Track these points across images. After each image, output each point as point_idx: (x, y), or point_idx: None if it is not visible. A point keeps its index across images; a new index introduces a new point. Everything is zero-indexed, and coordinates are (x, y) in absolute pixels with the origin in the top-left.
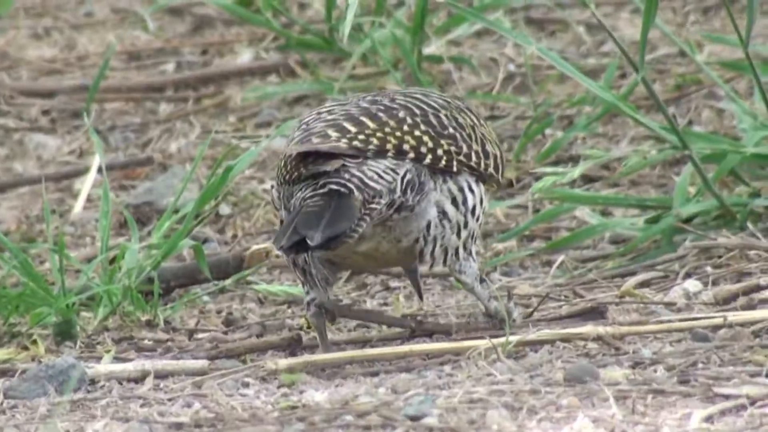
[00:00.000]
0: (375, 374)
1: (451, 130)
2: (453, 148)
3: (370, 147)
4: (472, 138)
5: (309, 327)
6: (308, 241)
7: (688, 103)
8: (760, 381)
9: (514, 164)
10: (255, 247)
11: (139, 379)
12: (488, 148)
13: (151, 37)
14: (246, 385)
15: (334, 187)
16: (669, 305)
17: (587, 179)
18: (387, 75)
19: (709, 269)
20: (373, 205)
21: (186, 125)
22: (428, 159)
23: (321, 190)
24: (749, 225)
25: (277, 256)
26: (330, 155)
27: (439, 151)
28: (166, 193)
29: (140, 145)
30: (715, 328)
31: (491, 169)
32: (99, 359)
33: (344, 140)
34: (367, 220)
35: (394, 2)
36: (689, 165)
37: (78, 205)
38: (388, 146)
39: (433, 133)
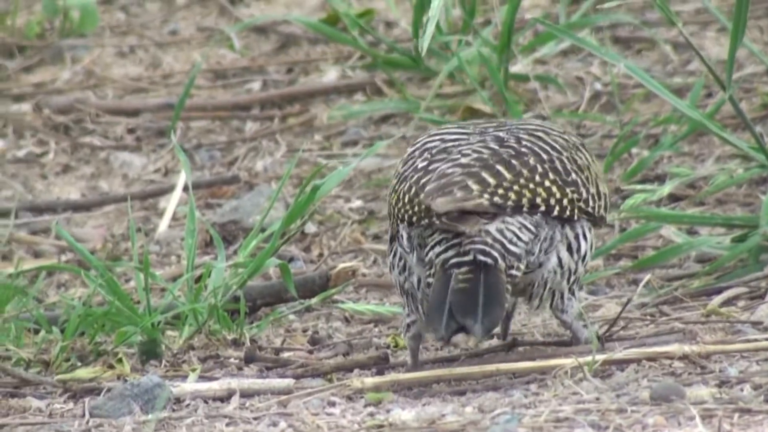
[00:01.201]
0: (462, 393)
1: (573, 175)
2: (575, 196)
3: (509, 203)
4: (590, 180)
5: (396, 346)
6: (470, 335)
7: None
8: None
9: None
10: (341, 265)
11: (225, 398)
12: (601, 188)
13: (237, 56)
14: (332, 404)
15: (480, 257)
16: (756, 324)
17: (673, 198)
18: (474, 93)
19: None
20: (514, 272)
21: (272, 144)
22: (556, 211)
23: (465, 258)
24: None
25: (363, 275)
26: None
27: (565, 201)
28: (252, 212)
29: (226, 163)
30: None
31: (602, 211)
32: (184, 378)
33: (486, 196)
34: (510, 290)
35: (481, 21)
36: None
37: (163, 224)
38: (524, 201)
39: (560, 182)
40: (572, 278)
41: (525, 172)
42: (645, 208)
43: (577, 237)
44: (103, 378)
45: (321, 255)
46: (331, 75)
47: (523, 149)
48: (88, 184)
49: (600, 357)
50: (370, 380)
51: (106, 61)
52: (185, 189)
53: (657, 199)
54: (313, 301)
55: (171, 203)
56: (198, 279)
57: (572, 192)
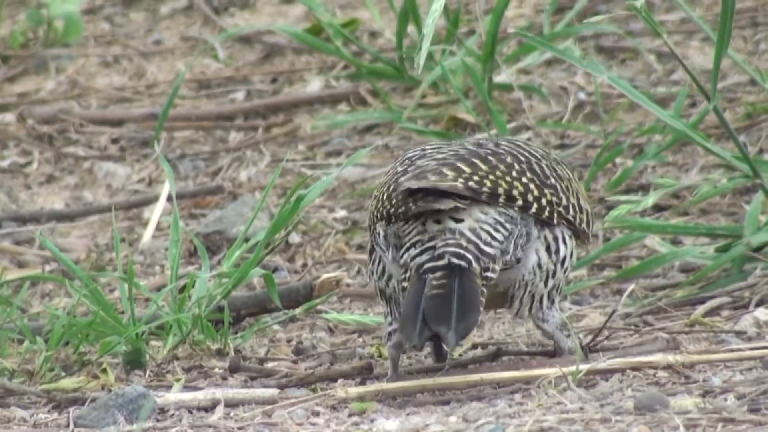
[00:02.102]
0: (446, 403)
1: (552, 180)
2: (555, 199)
3: (484, 189)
4: (570, 191)
5: (380, 355)
6: (444, 345)
7: (759, 132)
8: None
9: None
10: (325, 275)
11: (209, 407)
12: (582, 203)
13: (221, 66)
14: (316, 413)
15: (454, 261)
16: (739, 334)
17: (657, 208)
18: (458, 103)
19: None
20: (489, 274)
21: (256, 154)
22: (534, 208)
23: (440, 262)
24: None
25: (347, 285)
26: (441, 193)
27: (544, 201)
28: (236, 222)
29: (210, 173)
30: None
31: (584, 225)
32: (169, 388)
33: (460, 180)
34: (485, 293)
35: (465, 30)
36: (760, 193)
37: (147, 234)
38: (500, 190)
39: (538, 182)
40: (551, 283)
41: (501, 167)
42: (629, 218)
43: (556, 239)
44: (88, 388)
45: (305, 265)
46: (315, 85)
47: (501, 151)
48: (72, 194)
49: (584, 367)
50: (354, 390)
51: (90, 71)
52: (169, 199)
53: (641, 209)
54: (298, 311)
55: (155, 213)
56: (182, 289)
57: (551, 194)
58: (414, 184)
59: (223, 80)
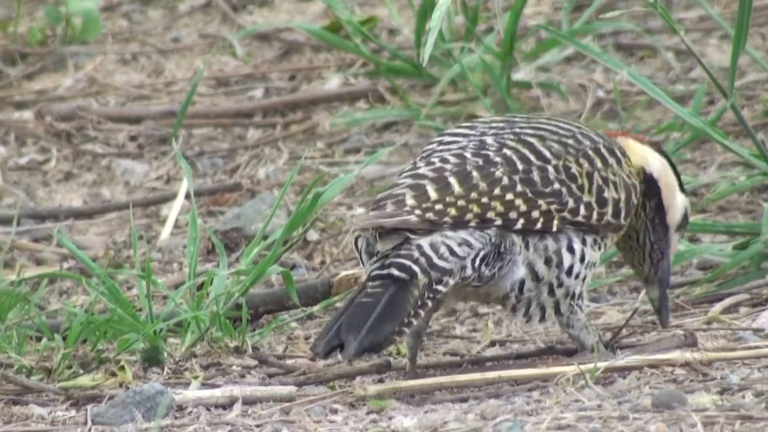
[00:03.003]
0: (464, 400)
1: (556, 185)
2: (554, 207)
3: (446, 219)
4: (585, 189)
5: (399, 353)
6: (339, 354)
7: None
8: None
9: None
10: (343, 273)
11: (227, 405)
12: (606, 194)
13: (239, 63)
14: (334, 411)
15: (395, 272)
16: (757, 331)
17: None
18: (476, 101)
19: None
20: (440, 287)
21: (274, 151)
22: (520, 223)
23: (383, 271)
24: None
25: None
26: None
27: (535, 213)
28: (255, 219)
29: (228, 170)
30: None
31: (608, 217)
32: (186, 385)
33: (417, 212)
34: (429, 304)
35: (483, 28)
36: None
37: (165, 231)
38: (469, 216)
39: (530, 194)
40: (560, 291)
41: (482, 185)
42: None
43: (558, 251)
44: (105, 385)
45: (323, 262)
46: (333, 82)
47: (497, 158)
48: (90, 191)
49: (602, 364)
50: (372, 387)
51: (108, 69)
52: (187, 196)
53: None
54: (316, 308)
55: (173, 211)
56: (200, 286)
57: (548, 203)
58: (359, 223)
59: (241, 77)
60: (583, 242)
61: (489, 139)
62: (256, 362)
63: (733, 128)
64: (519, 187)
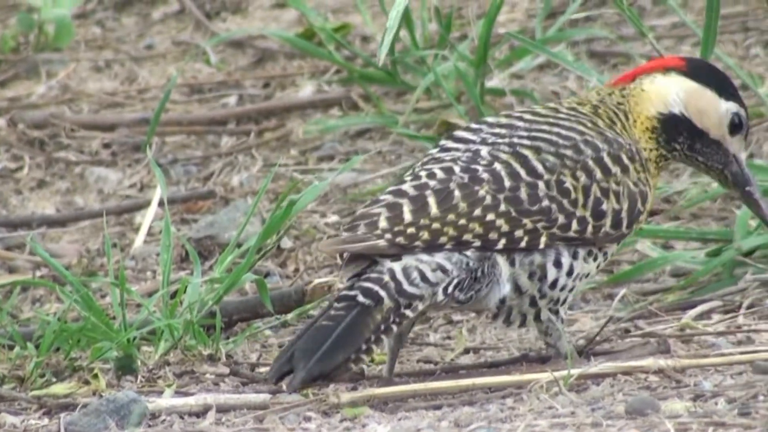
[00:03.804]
0: (438, 407)
1: (545, 202)
2: (541, 224)
3: (416, 243)
4: (579, 203)
5: (372, 360)
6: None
7: (750, 136)
8: None
9: None
10: (317, 280)
11: (201, 413)
12: (605, 206)
13: (213, 70)
14: (308, 419)
15: (360, 298)
16: (730, 338)
17: (648, 212)
18: (450, 108)
19: None
20: (408, 312)
21: (248, 158)
22: (501, 244)
23: (350, 293)
24: None
25: (339, 290)
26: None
27: (518, 233)
28: (228, 227)
29: (202, 178)
30: None
31: (607, 229)
32: (160, 393)
33: (387, 236)
34: (394, 329)
35: (457, 35)
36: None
37: (139, 239)
38: (443, 239)
39: (514, 213)
40: (541, 302)
41: (462, 205)
42: None
43: (543, 265)
44: (79, 394)
45: (297, 270)
46: (307, 90)
47: (485, 174)
48: (63, 199)
49: (575, 371)
50: (345, 395)
51: (82, 76)
52: (161, 204)
53: None
54: (289, 316)
55: (146, 218)
56: (174, 294)
57: (534, 222)
58: (325, 248)
59: (215, 85)
60: (574, 256)
61: (483, 151)
62: (229, 370)
63: None
64: (502, 207)
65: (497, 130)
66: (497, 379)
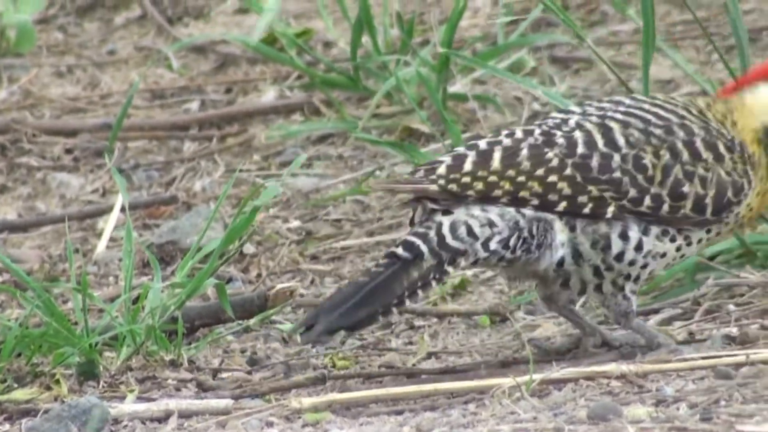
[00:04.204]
0: (400, 413)
1: (617, 174)
2: (609, 194)
3: (469, 193)
4: (655, 181)
5: (334, 366)
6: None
7: None
8: None
9: None
10: (279, 285)
11: (163, 418)
12: (686, 189)
13: (175, 76)
14: (270, 424)
15: (399, 251)
16: (692, 343)
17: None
18: (412, 114)
19: (731, 307)
20: (450, 268)
21: (210, 164)
22: (561, 206)
23: (393, 249)
24: None
25: (302, 295)
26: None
27: (582, 198)
28: (191, 232)
29: (164, 183)
30: (738, 365)
31: (687, 211)
32: (122, 399)
33: (441, 182)
34: (434, 285)
35: (420, 41)
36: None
37: (101, 245)
38: (497, 192)
39: (579, 179)
40: (608, 275)
41: (525, 164)
42: None
43: (607, 236)
44: (40, 399)
45: (259, 275)
46: (269, 95)
47: (560, 140)
48: (25, 204)
49: (537, 376)
50: (307, 400)
51: (44, 81)
52: (123, 210)
53: None
54: (251, 321)
55: (109, 224)
56: (136, 300)
57: (601, 190)
58: (376, 187)
59: (177, 90)
60: (645, 231)
61: (573, 119)
62: (192, 375)
63: None
64: (568, 171)
65: (603, 104)
66: (459, 385)
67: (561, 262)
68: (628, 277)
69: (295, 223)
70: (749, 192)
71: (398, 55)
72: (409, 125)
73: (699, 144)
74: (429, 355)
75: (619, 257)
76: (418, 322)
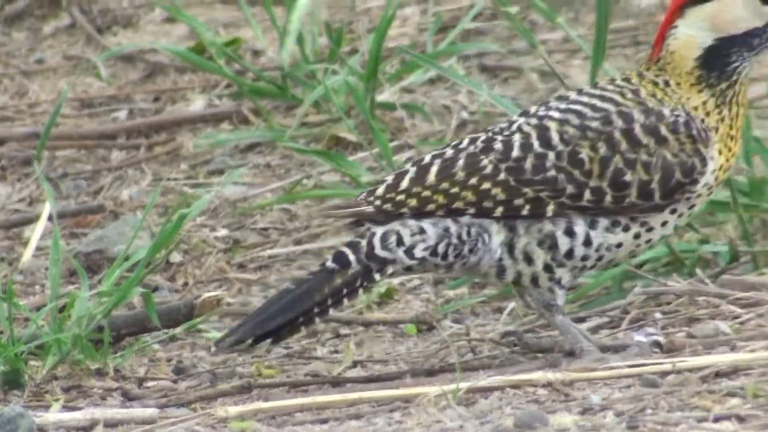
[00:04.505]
0: (325, 421)
1: (552, 172)
2: (545, 194)
3: (403, 210)
4: (593, 174)
5: (260, 374)
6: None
7: None
8: (708, 426)
9: None
10: (206, 294)
11: (89, 427)
12: (629, 177)
13: (104, 84)
14: None
15: (328, 263)
16: (618, 351)
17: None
18: (340, 122)
19: (658, 315)
20: (377, 276)
21: (138, 173)
22: (498, 211)
23: (327, 259)
24: (698, 271)
25: (229, 304)
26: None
27: (518, 201)
28: (118, 241)
29: (91, 192)
30: (664, 374)
31: (633, 199)
32: (47, 408)
33: (377, 202)
34: (360, 292)
35: (348, 49)
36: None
37: (27, 253)
38: (431, 206)
39: (513, 182)
40: (561, 270)
41: (460, 174)
42: None
43: (552, 234)
44: None
45: (186, 284)
46: (197, 104)
47: (498, 145)
48: None
49: (464, 385)
50: (233, 409)
51: None
52: (50, 218)
53: None
54: (178, 330)
55: (35, 233)
56: (62, 308)
57: (536, 191)
58: (324, 214)
59: (105, 99)
60: (592, 225)
61: (520, 121)
62: (117, 384)
63: None
64: (502, 176)
65: (550, 103)
66: (385, 393)
67: (499, 263)
68: (574, 271)
69: (222, 232)
70: (705, 169)
71: (326, 64)
72: (337, 134)
73: (638, 130)
74: (355, 364)
75: (569, 254)
76: (344, 331)
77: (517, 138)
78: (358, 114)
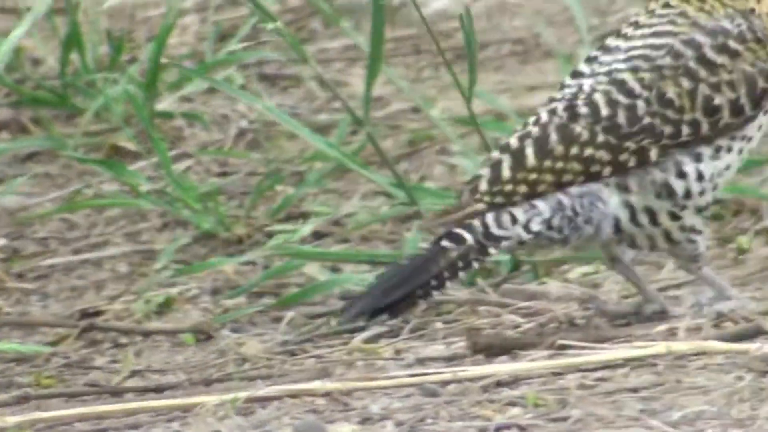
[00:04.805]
0: (103, 431)
1: (646, 119)
2: (646, 141)
3: (515, 199)
4: (686, 108)
5: (38, 384)
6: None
7: (421, 159)
8: None
9: (245, 221)
10: None
11: None
12: (718, 100)
13: None
14: None
15: (444, 242)
16: (398, 361)
17: (318, 235)
18: (119, 131)
19: (439, 325)
20: (492, 250)
21: None
22: (607, 171)
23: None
24: (479, 280)
25: (8, 313)
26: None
27: (622, 156)
28: None
29: None
30: (444, 383)
31: (726, 120)
32: None
33: (486, 198)
34: (475, 265)
35: (128, 58)
36: (420, 221)
37: None
38: (542, 187)
39: (614, 141)
40: (686, 213)
41: (558, 149)
42: (288, 245)
43: (665, 184)
44: None
45: None
46: None
47: (583, 109)
48: None
49: (242, 394)
50: (11, 419)
51: None
52: None
53: (298, 237)
54: None
55: None
56: None
57: (637, 142)
58: (429, 222)
59: None
60: (698, 159)
61: (586, 84)
62: None
63: (376, 158)
64: (601, 137)
65: (604, 58)
66: (163, 403)
67: (617, 228)
68: (694, 211)
69: (0, 242)
70: None
71: (107, 73)
72: (117, 143)
73: (710, 52)
74: (133, 373)
75: (687, 195)
76: (122, 340)
77: (599, 97)
78: (138, 123)
